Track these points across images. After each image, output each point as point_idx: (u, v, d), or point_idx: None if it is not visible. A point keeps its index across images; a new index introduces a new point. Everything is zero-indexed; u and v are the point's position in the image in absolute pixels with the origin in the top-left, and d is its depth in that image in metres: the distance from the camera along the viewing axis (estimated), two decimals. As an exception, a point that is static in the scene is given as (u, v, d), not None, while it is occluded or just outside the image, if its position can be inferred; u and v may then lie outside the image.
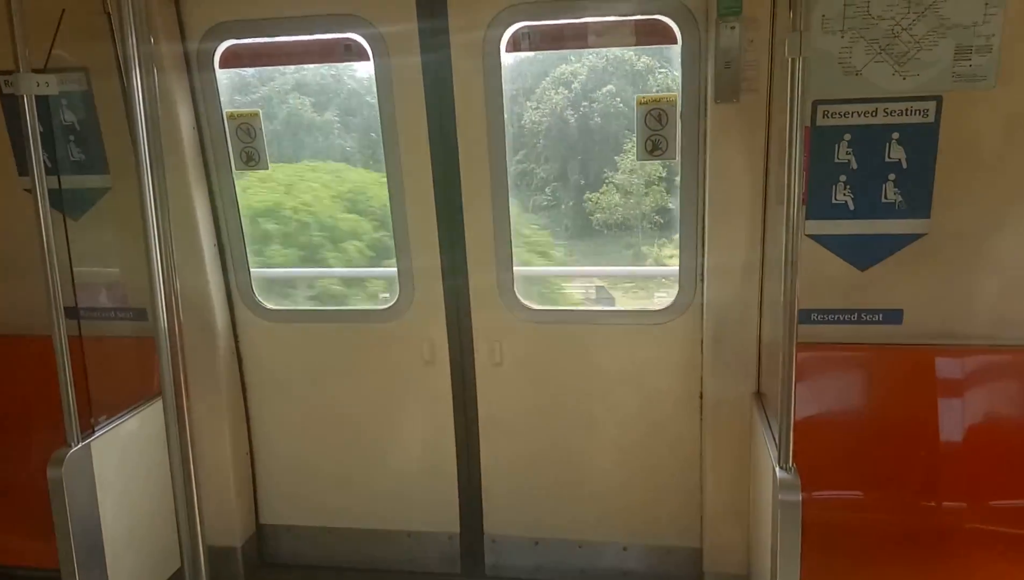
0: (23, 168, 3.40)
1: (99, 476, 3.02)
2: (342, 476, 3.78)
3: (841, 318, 3.12)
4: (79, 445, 2.91)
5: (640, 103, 3.12)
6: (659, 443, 3.47)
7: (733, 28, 2.87)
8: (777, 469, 2.47)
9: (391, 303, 3.55)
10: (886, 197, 2.96)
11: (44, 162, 2.64)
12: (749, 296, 3.14)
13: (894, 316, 3.08)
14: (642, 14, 3.06)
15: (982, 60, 2.77)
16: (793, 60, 2.20)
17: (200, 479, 2.47)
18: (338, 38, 3.31)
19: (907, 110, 2.86)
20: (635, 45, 3.18)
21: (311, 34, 3.32)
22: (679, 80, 3.09)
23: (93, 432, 3.03)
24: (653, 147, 3.15)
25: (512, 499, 3.66)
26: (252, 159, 3.47)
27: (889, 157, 2.92)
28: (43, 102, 2.72)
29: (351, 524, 3.83)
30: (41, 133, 2.62)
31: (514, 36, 3.17)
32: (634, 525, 3.58)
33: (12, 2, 2.45)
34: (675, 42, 3.05)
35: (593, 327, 3.45)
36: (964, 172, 2.90)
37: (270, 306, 3.67)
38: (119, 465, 3.16)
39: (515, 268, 3.43)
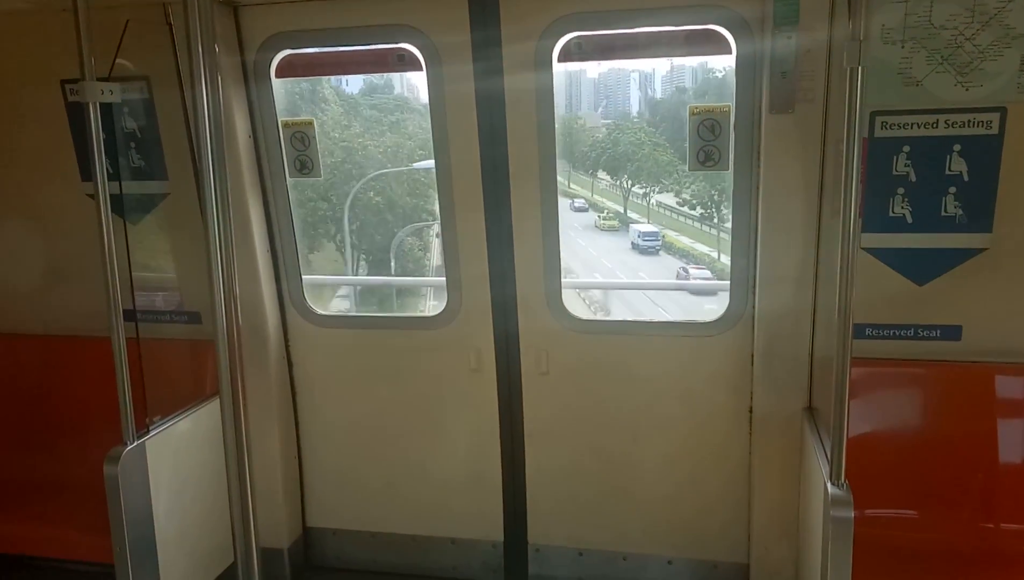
0: (86, 174, 3.50)
1: (153, 474, 3.09)
2: (388, 481, 3.81)
3: (897, 333, 3.06)
4: (134, 443, 2.98)
5: (693, 113, 3.10)
6: (707, 456, 3.43)
7: (790, 37, 2.84)
8: (829, 485, 2.42)
9: (439, 311, 3.57)
10: (946, 210, 2.90)
11: (106, 168, 2.72)
12: (801, 309, 3.09)
13: (953, 332, 3.01)
14: (696, 24, 3.04)
15: (1049, 71, 2.70)
16: (852, 70, 2.17)
17: (252, 481, 2.51)
18: (391, 48, 3.35)
19: (970, 122, 2.80)
20: (688, 55, 3.16)
21: (365, 44, 3.37)
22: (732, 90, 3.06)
23: (148, 431, 3.09)
24: (706, 157, 3.13)
25: (557, 508, 3.65)
26: (306, 167, 3.53)
27: (950, 170, 2.86)
28: (106, 110, 2.79)
29: (396, 530, 3.85)
30: (104, 140, 2.70)
31: (566, 46, 3.17)
32: (680, 538, 3.54)
33: (80, 14, 2.53)
34: (729, 52, 3.03)
35: (641, 338, 3.43)
36: None
37: (321, 311, 3.72)
38: (172, 464, 3.23)
39: (563, 278, 3.42)
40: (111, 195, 2.75)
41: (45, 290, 3.84)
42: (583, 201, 10.28)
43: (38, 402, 3.78)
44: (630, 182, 9.68)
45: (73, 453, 3.60)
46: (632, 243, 9.61)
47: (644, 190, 9.58)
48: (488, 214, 3.38)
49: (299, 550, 3.92)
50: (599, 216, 10.14)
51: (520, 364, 3.54)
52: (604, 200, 10.26)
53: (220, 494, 2.60)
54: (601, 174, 9.98)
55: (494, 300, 3.48)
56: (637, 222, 9.76)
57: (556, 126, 3.26)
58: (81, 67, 2.60)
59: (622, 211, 9.94)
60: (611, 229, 10.03)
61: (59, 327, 3.80)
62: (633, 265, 9.15)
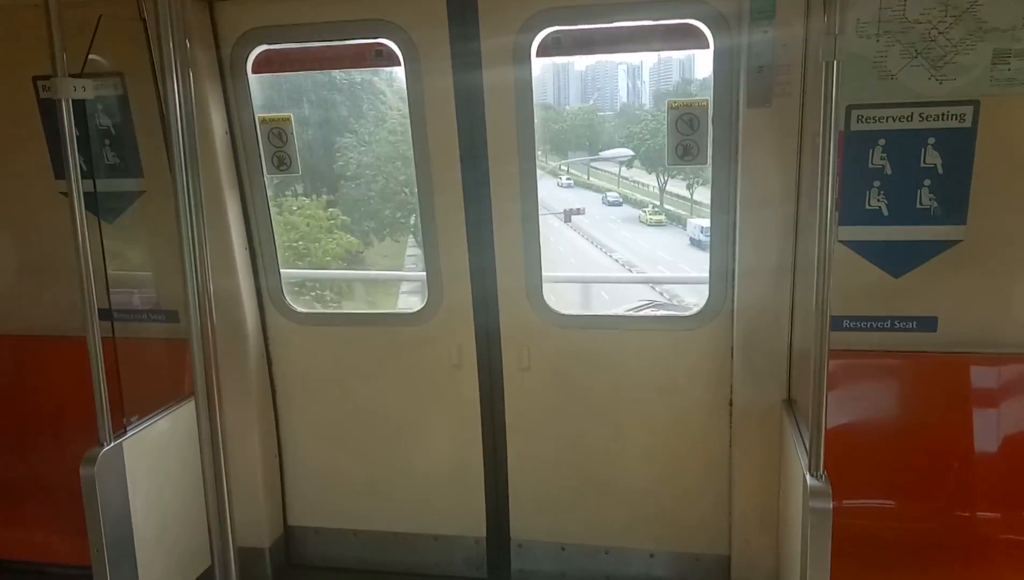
0: (59, 171, 3.45)
1: (131, 475, 3.06)
2: (369, 479, 3.79)
3: (874, 325, 3.08)
4: (111, 444, 2.94)
5: (671, 107, 3.11)
6: (687, 449, 3.45)
7: (766, 32, 2.85)
8: (808, 476, 2.44)
9: (420, 307, 3.56)
10: (921, 203, 2.92)
11: (80, 166, 2.68)
12: (780, 302, 3.11)
13: (928, 323, 3.04)
14: (674, 18, 3.05)
15: (1021, 64, 2.73)
16: (827, 64, 2.18)
17: (230, 480, 2.49)
18: (369, 43, 3.33)
19: (943, 115, 2.82)
20: (667, 50, 3.17)
21: (343, 39, 3.35)
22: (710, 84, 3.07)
23: (125, 432, 3.06)
24: (684, 152, 3.14)
25: (539, 504, 3.65)
26: (283, 163, 3.50)
27: (924, 162, 2.88)
28: (79, 107, 2.75)
29: (378, 527, 3.84)
30: (77, 137, 2.66)
31: (544, 41, 3.17)
32: (662, 531, 3.56)
33: (51, 9, 2.50)
34: (707, 46, 3.04)
35: (622, 332, 3.44)
36: (1002, 178, 2.85)
37: (300, 309, 3.70)
38: (150, 465, 3.20)
39: (543, 272, 3.42)
40: (85, 193, 2.71)
41: (18, 289, 3.78)
42: (616, 195, 9.93)
43: (12, 403, 3.73)
44: (666, 175, 9.36)
45: (49, 454, 3.57)
46: (692, 238, 9.19)
47: (687, 182, 9.22)
48: (468, 209, 3.37)
49: (280, 549, 3.90)
50: (644, 211, 9.78)
51: (501, 359, 3.54)
52: (634, 194, 9.97)
53: (199, 494, 2.58)
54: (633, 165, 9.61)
55: (475, 295, 3.48)
56: (691, 217, 9.33)
57: (536, 117, 3.25)
58: (53, 63, 2.56)
59: (658, 204, 9.61)
60: (658, 224, 9.65)
61: (33, 327, 3.75)
62: (697, 260, 8.79)
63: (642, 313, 3.67)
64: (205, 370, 2.30)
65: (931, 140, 2.86)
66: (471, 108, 3.25)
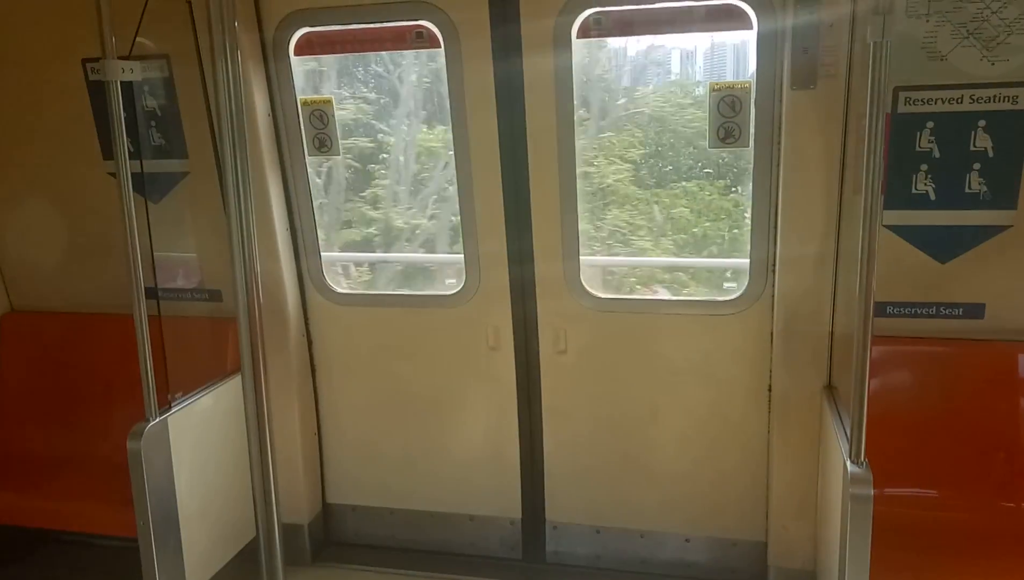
0: (108, 152, 3.52)
1: (175, 450, 3.13)
2: (406, 458, 3.83)
3: (919, 311, 3.03)
4: (157, 419, 3.01)
5: (713, 89, 3.07)
6: (725, 434, 3.43)
7: (812, 12, 2.80)
8: (848, 463, 2.42)
9: (458, 289, 3.58)
10: (970, 187, 2.86)
11: (127, 147, 2.73)
12: (822, 287, 3.07)
13: (976, 310, 2.98)
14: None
15: (1078, 44, 2.65)
16: (875, 44, 2.14)
17: (274, 457, 2.53)
18: (409, 25, 3.33)
19: (995, 97, 2.75)
20: (709, 31, 3.13)
21: (383, 21, 3.35)
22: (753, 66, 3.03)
23: (170, 407, 3.13)
24: (726, 134, 3.10)
25: (574, 486, 3.66)
26: (324, 145, 3.53)
27: (974, 146, 2.82)
28: (127, 89, 2.80)
29: (414, 506, 3.88)
30: (124, 119, 2.71)
31: (585, 22, 3.14)
32: (698, 516, 3.55)
33: None
34: (750, 27, 2.99)
35: (659, 317, 3.42)
36: None
37: (339, 290, 3.74)
38: (194, 440, 3.26)
39: (581, 257, 3.42)
40: (132, 174, 2.76)
41: (68, 268, 3.87)
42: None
43: (62, 379, 3.83)
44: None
45: (96, 429, 3.66)
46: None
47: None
48: (506, 192, 3.38)
49: (319, 526, 3.96)
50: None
51: (538, 342, 3.54)
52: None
53: (241, 470, 2.64)
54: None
55: (512, 278, 3.48)
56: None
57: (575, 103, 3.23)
58: (102, 45, 2.61)
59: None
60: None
61: (82, 304, 3.84)
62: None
63: (680, 297, 3.64)
64: (252, 349, 2.34)
65: (982, 123, 2.79)
66: (511, 90, 3.24)
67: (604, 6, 3.10)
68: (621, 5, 3.10)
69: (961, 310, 3.00)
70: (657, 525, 3.60)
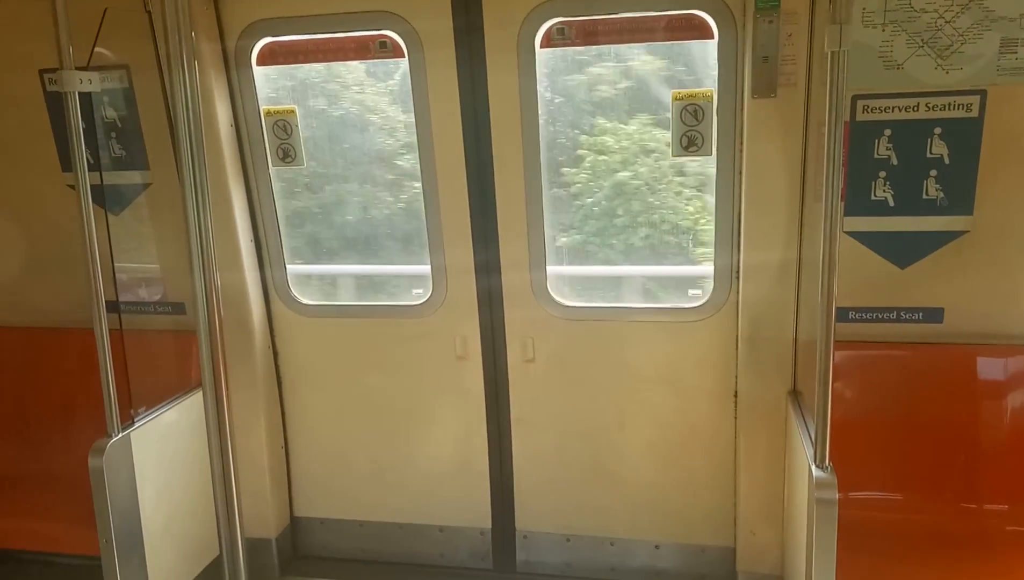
0: (66, 164, 3.46)
1: (139, 466, 3.08)
2: (375, 470, 3.81)
3: (880, 316, 3.07)
4: (119, 435, 2.96)
5: (675, 99, 3.10)
6: (693, 441, 3.45)
7: (771, 22, 2.83)
8: (813, 468, 2.44)
9: (424, 298, 3.57)
10: (927, 193, 2.91)
11: (87, 158, 2.69)
12: (785, 294, 3.10)
13: (935, 315, 3.03)
14: (678, 9, 3.04)
15: (1029, 53, 2.71)
16: (833, 54, 2.17)
17: (236, 471, 2.50)
18: (373, 35, 3.33)
19: (950, 104, 2.81)
20: (670, 40, 3.15)
21: (347, 31, 3.34)
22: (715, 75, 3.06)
23: (133, 423, 3.08)
24: (689, 143, 3.13)
25: (544, 495, 3.66)
26: (288, 156, 3.51)
27: (931, 153, 2.87)
28: (85, 99, 2.77)
29: (384, 518, 3.85)
30: (84, 130, 2.67)
31: (548, 32, 3.16)
32: (667, 523, 3.56)
33: (57, 2, 2.50)
34: (711, 37, 3.02)
35: (626, 324, 3.44)
36: (1009, 168, 2.84)
37: (305, 301, 3.70)
38: (158, 455, 3.21)
39: (548, 267, 3.42)
40: (92, 185, 2.72)
41: (27, 282, 3.80)
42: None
43: (21, 395, 3.75)
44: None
45: (57, 446, 3.59)
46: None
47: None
48: (473, 200, 3.37)
49: (287, 540, 3.92)
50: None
51: (506, 351, 3.54)
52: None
53: (207, 485, 2.60)
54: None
55: (479, 287, 3.48)
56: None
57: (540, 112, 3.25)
58: (59, 56, 2.57)
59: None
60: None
61: (41, 319, 3.77)
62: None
63: (647, 305, 3.66)
64: (212, 362, 2.32)
65: (937, 130, 2.84)
66: (475, 99, 3.24)
67: (566, 16, 3.12)
68: (582, 15, 3.12)
69: (921, 314, 3.04)
70: (626, 532, 3.61)
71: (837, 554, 2.41)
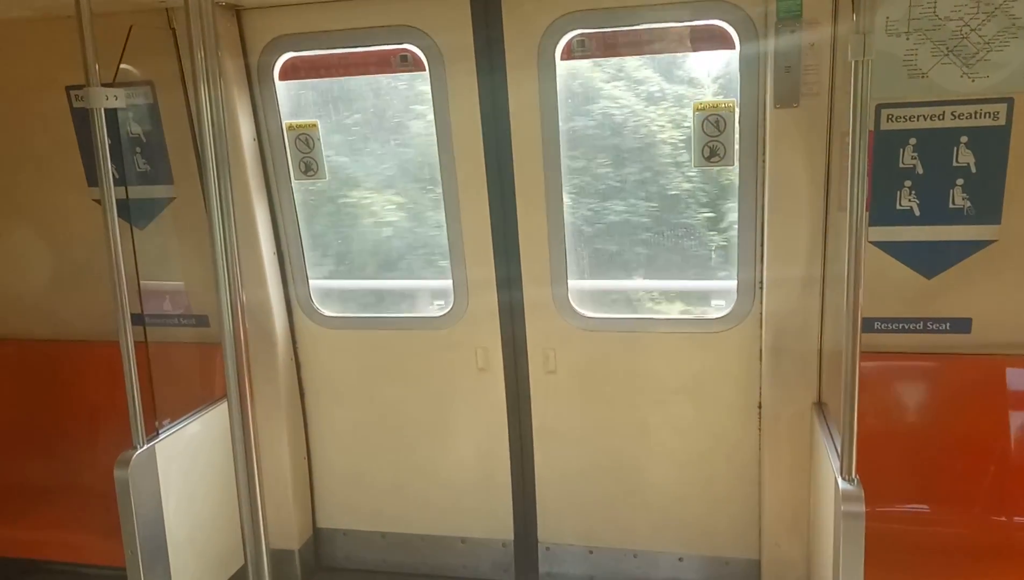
0: (92, 179, 3.51)
1: (163, 477, 3.10)
2: (397, 482, 3.81)
3: (906, 327, 3.04)
4: (144, 447, 2.98)
5: (697, 109, 3.09)
6: (716, 453, 3.42)
7: (793, 31, 2.82)
8: (840, 480, 2.41)
9: (446, 310, 3.57)
10: (954, 202, 2.88)
11: (112, 173, 2.72)
12: (810, 304, 3.07)
13: (962, 325, 2.99)
14: (699, 20, 3.03)
15: (1056, 60, 2.68)
16: (856, 63, 2.15)
17: (261, 482, 2.51)
18: (394, 49, 3.35)
19: (976, 113, 2.78)
20: (692, 51, 3.15)
21: (368, 46, 3.37)
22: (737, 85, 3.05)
23: (158, 434, 3.10)
24: (711, 153, 3.12)
25: (566, 507, 3.64)
26: (311, 169, 3.53)
27: (957, 161, 2.84)
28: (111, 115, 2.80)
29: (406, 530, 3.85)
30: (109, 145, 2.70)
31: (568, 44, 3.16)
32: (690, 535, 3.53)
33: (83, 20, 2.54)
34: (733, 47, 3.01)
35: (649, 335, 3.42)
36: None
37: (328, 313, 3.72)
38: (182, 467, 3.24)
39: (569, 281, 3.42)
40: (117, 200, 2.76)
41: (53, 295, 3.85)
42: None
43: (48, 407, 3.80)
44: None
45: (84, 457, 3.63)
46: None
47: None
48: (493, 213, 3.38)
49: (310, 551, 3.93)
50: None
51: (527, 363, 3.54)
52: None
53: (230, 496, 2.61)
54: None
55: (500, 299, 3.48)
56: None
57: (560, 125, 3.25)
58: (86, 73, 2.61)
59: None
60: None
61: (68, 332, 3.82)
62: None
63: (669, 316, 3.65)
64: (237, 375, 2.33)
65: (964, 139, 2.81)
66: (496, 113, 3.25)
67: (587, 28, 3.12)
68: (604, 27, 3.12)
69: (948, 325, 3.01)
70: (650, 544, 3.58)
71: (864, 568, 2.38)
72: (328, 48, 3.40)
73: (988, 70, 2.73)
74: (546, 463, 3.63)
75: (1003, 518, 2.93)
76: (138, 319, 2.98)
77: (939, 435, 3.01)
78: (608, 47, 3.18)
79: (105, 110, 2.67)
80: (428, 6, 3.19)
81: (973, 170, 2.83)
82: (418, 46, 3.27)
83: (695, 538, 3.53)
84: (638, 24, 3.09)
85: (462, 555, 3.81)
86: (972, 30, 2.71)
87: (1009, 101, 2.75)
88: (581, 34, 3.14)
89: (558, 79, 3.19)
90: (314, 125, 3.48)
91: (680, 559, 3.56)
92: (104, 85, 2.66)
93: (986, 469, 2.97)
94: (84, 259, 3.68)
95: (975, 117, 2.78)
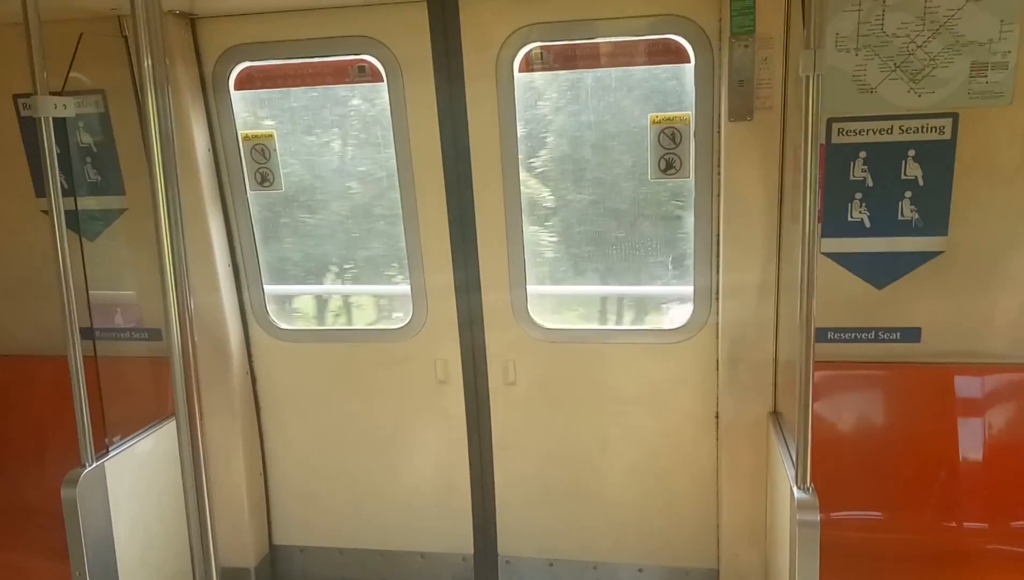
0: (40, 190, 3.43)
1: (113, 496, 3.02)
2: (355, 497, 3.76)
3: (858, 336, 3.09)
4: (93, 465, 2.91)
5: (653, 122, 3.13)
6: (675, 463, 3.44)
7: (746, 46, 2.87)
8: (795, 489, 2.44)
9: (404, 322, 3.55)
10: (903, 214, 2.94)
11: (61, 184, 2.66)
12: (765, 315, 3.11)
13: (912, 334, 3.06)
14: (655, 34, 3.07)
15: (998, 77, 2.76)
16: (807, 78, 2.19)
17: (214, 500, 2.46)
18: (352, 59, 3.33)
19: (923, 127, 2.85)
20: (648, 64, 3.18)
21: (325, 56, 3.35)
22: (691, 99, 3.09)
23: (107, 452, 3.03)
24: (667, 166, 3.15)
25: (526, 520, 3.63)
26: (266, 180, 3.49)
27: (905, 174, 2.91)
28: (60, 124, 2.75)
29: (364, 545, 3.80)
30: (58, 155, 2.64)
31: (527, 56, 3.18)
32: (650, 546, 3.54)
33: (31, 27, 2.49)
34: (688, 61, 3.06)
35: (607, 346, 3.43)
36: (981, 189, 2.88)
37: (283, 326, 3.67)
38: (133, 485, 3.16)
39: (528, 287, 3.42)
40: (66, 210, 2.69)
41: None
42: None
43: (-8, 424, 3.69)
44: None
45: (30, 476, 3.52)
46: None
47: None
48: (452, 224, 3.37)
49: (266, 569, 3.85)
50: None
51: (487, 375, 3.52)
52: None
53: (183, 515, 2.55)
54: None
55: (460, 310, 3.47)
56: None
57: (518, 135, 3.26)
58: (33, 81, 2.55)
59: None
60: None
61: (13, 346, 3.71)
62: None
63: (628, 327, 3.67)
64: (186, 389, 2.27)
65: (911, 152, 2.88)
66: (454, 124, 3.25)
67: (544, 41, 3.14)
68: (561, 40, 3.14)
69: (898, 334, 3.07)
70: (610, 556, 3.59)
71: (820, 575, 2.41)
72: (285, 58, 3.37)
73: (934, 86, 2.81)
74: (506, 475, 3.62)
75: (953, 523, 2.98)
76: (88, 333, 2.91)
77: (891, 443, 3.06)
78: (567, 59, 3.21)
79: (54, 119, 2.61)
80: (386, 17, 3.18)
81: (921, 183, 2.90)
82: (376, 57, 3.26)
83: (655, 549, 3.54)
84: (595, 37, 3.12)
85: (422, 570, 3.77)
86: (918, 47, 2.78)
87: (954, 116, 2.82)
88: (539, 46, 3.16)
89: (516, 89, 3.20)
90: (270, 135, 3.45)
91: (640, 570, 3.57)
92: (53, 93, 2.60)
93: (937, 475, 3.02)
94: (32, 271, 3.58)
95: (922, 131, 2.85)
